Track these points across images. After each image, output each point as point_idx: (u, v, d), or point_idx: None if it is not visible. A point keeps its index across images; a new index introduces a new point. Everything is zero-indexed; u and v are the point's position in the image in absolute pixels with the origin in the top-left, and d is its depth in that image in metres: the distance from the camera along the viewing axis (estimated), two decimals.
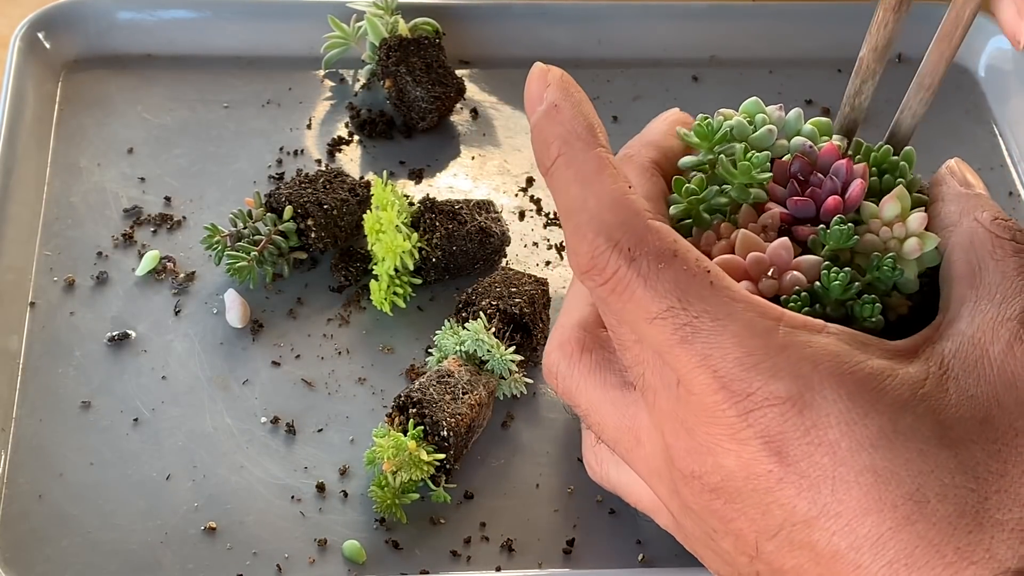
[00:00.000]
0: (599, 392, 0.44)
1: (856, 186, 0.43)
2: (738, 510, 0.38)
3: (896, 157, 0.45)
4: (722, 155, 0.44)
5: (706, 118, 0.45)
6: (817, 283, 0.41)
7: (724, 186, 0.44)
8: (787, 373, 0.36)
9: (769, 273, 0.41)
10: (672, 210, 0.44)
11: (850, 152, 0.46)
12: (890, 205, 0.43)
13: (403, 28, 0.67)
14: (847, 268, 0.41)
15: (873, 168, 0.45)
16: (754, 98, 0.46)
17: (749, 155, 0.43)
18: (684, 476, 0.40)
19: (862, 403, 0.36)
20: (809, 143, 0.45)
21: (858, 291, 0.41)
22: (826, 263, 0.41)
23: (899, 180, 0.44)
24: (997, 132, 0.70)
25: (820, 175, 0.43)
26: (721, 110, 0.46)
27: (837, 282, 0.40)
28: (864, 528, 0.35)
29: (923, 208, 0.44)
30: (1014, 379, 0.37)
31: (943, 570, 0.35)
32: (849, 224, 0.42)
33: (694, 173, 0.45)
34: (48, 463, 0.54)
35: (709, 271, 0.38)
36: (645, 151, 0.46)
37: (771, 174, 0.44)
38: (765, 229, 0.43)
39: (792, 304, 0.40)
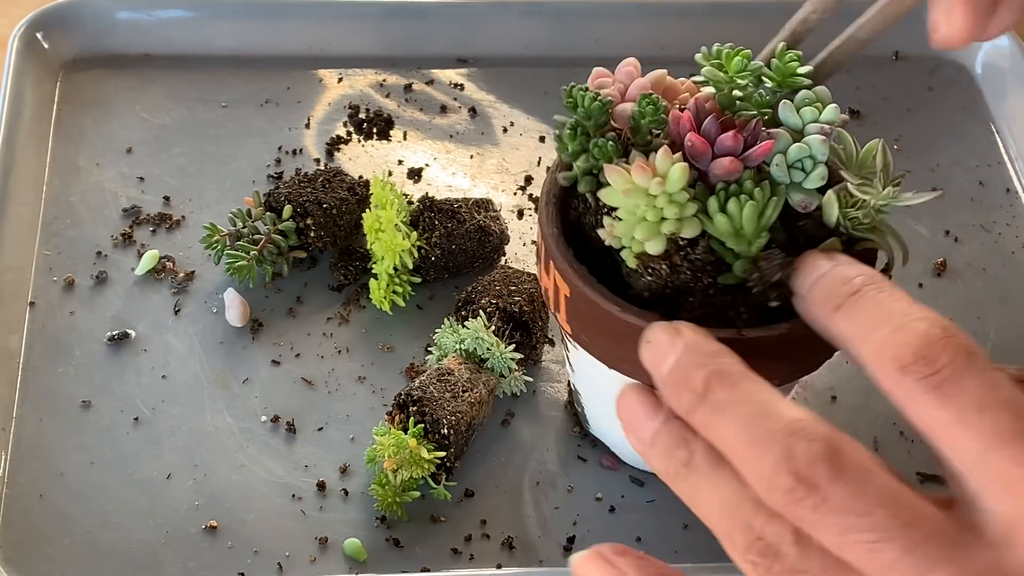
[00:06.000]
0: None
1: (726, 161, 0.43)
2: None
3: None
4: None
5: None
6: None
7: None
8: None
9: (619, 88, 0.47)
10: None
11: None
12: (662, 160, 0.43)
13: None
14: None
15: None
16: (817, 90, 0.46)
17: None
18: None
19: None
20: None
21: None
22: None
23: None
24: (994, 129, 0.70)
25: (742, 138, 0.44)
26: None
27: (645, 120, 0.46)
28: None
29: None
30: None
31: None
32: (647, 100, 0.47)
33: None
34: (48, 463, 0.54)
35: None
36: None
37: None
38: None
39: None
